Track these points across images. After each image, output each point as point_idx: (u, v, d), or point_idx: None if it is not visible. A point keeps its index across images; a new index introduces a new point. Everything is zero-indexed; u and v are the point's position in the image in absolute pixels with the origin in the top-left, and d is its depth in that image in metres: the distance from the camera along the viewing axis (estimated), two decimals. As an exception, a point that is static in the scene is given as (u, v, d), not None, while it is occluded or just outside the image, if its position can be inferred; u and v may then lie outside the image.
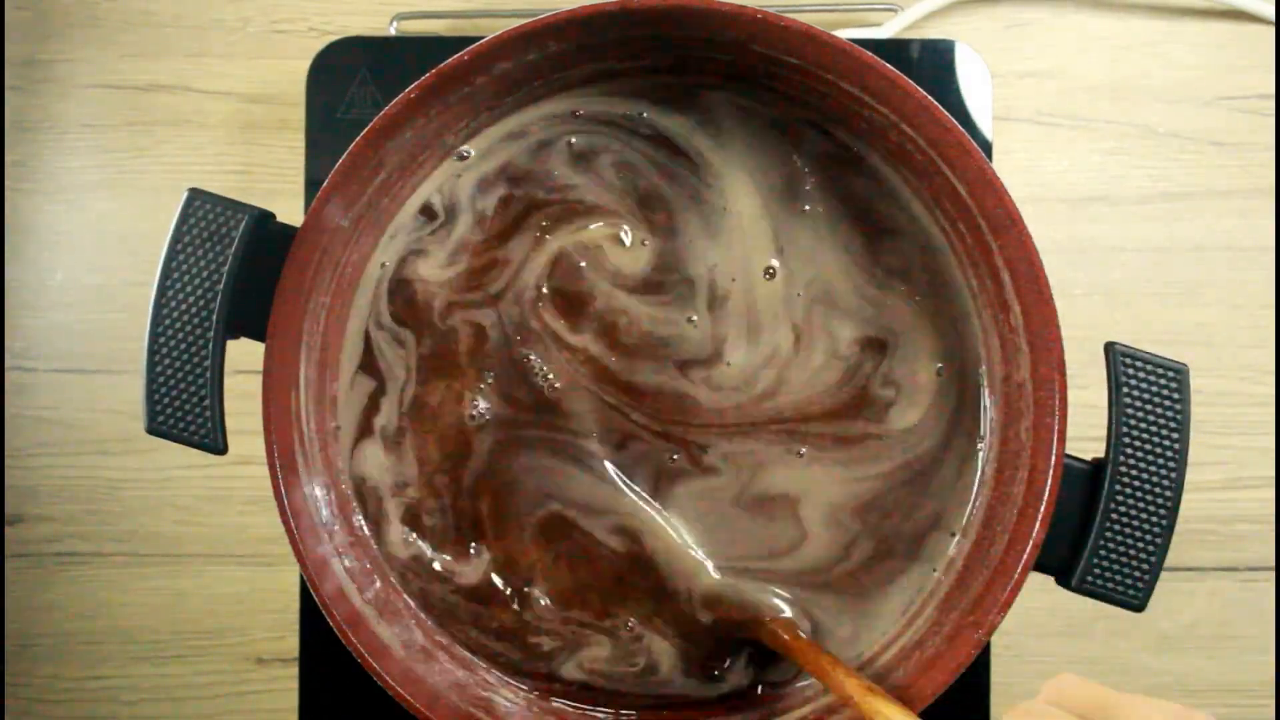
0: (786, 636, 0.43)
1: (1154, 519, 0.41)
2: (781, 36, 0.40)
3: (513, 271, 0.45)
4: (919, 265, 0.44)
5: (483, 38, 0.40)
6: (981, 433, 0.44)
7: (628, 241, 0.45)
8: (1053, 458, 0.40)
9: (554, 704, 0.45)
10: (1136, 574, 0.41)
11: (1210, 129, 0.58)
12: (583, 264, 0.45)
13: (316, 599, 0.41)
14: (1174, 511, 0.41)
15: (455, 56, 0.40)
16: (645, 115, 0.45)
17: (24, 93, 0.59)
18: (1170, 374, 0.41)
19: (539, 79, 0.43)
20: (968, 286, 0.44)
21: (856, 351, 0.45)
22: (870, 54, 0.39)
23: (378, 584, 0.45)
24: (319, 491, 0.44)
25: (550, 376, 0.45)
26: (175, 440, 0.41)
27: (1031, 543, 0.40)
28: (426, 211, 0.45)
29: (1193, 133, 0.58)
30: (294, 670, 0.56)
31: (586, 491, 0.45)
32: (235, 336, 0.42)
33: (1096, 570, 0.41)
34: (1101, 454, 0.41)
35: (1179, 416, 0.41)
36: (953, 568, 0.44)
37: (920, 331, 0.44)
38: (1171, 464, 0.41)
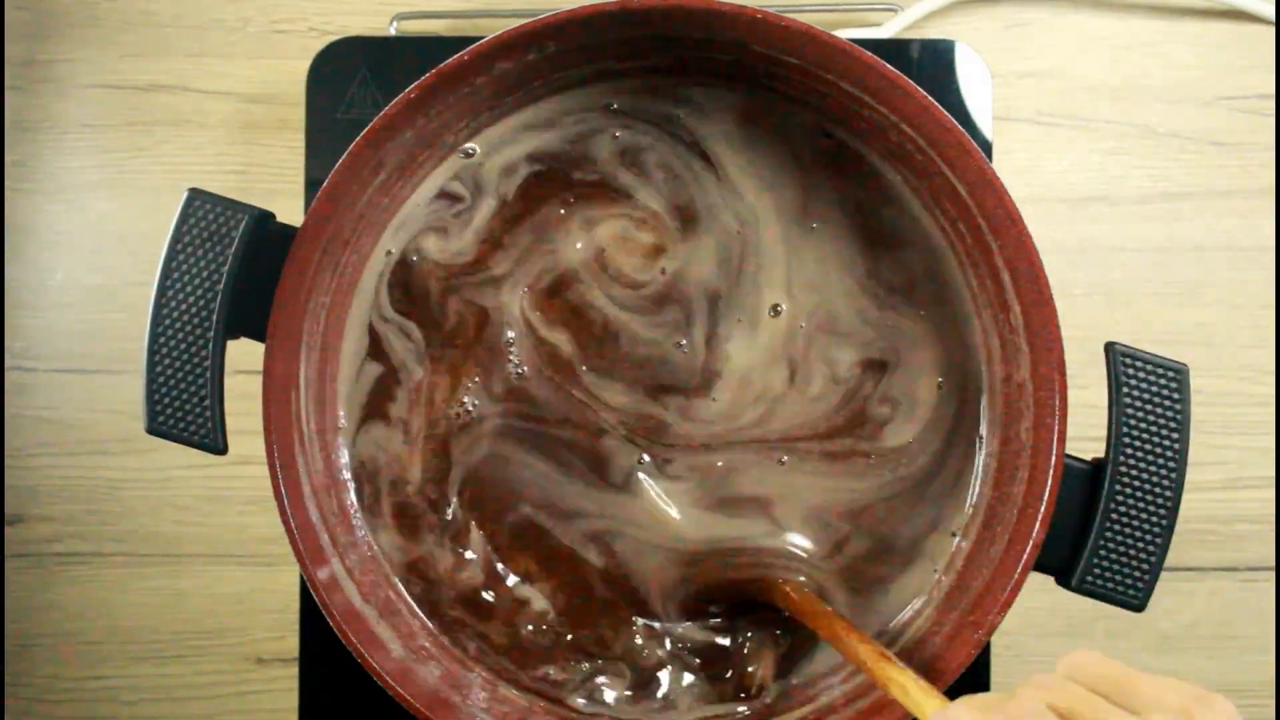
0: (798, 598, 0.43)
1: (1154, 519, 0.41)
2: (781, 36, 0.40)
3: (513, 261, 0.45)
4: (922, 276, 0.44)
5: (483, 38, 0.40)
6: (981, 433, 0.44)
7: (638, 250, 0.45)
8: (1053, 458, 0.40)
9: (554, 704, 0.45)
10: (1136, 574, 0.41)
11: (1210, 129, 0.58)
12: (581, 274, 0.45)
13: (316, 599, 0.41)
14: (1174, 511, 0.41)
15: (455, 56, 0.40)
16: (681, 117, 0.45)
17: (24, 93, 0.59)
18: (1170, 374, 0.41)
19: (539, 79, 0.43)
20: (968, 287, 0.44)
21: (857, 374, 0.45)
22: (870, 54, 0.39)
23: (377, 584, 0.45)
24: (319, 491, 0.44)
25: (524, 368, 0.45)
26: (175, 440, 0.41)
27: (1031, 543, 0.40)
28: (445, 196, 0.45)
29: (1193, 133, 0.58)
30: (294, 670, 0.56)
31: (561, 482, 0.45)
32: (235, 336, 0.42)
33: (1096, 570, 0.41)
34: (1101, 454, 0.41)
35: (1179, 416, 0.41)
36: (953, 567, 0.44)
37: (922, 346, 0.44)
38: (1171, 464, 0.41)
